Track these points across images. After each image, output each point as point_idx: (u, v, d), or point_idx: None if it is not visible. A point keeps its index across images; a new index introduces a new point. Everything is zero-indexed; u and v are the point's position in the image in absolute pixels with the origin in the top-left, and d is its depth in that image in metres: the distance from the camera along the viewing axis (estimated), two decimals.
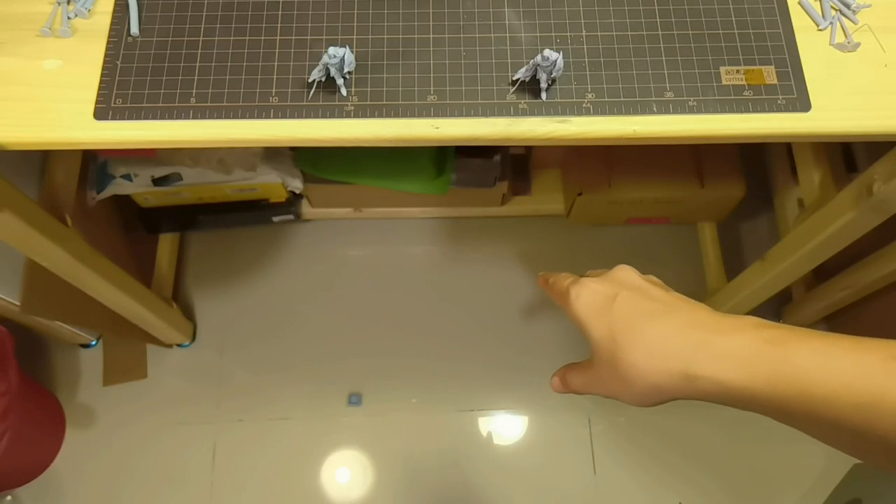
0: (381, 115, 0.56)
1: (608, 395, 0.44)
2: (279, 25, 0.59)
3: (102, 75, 0.57)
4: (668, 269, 1.29)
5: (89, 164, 1.06)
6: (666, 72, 0.58)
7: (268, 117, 0.56)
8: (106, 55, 0.57)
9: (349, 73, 0.57)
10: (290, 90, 0.57)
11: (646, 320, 0.40)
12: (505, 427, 1.17)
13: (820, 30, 0.60)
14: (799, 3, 0.61)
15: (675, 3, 0.60)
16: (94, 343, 1.21)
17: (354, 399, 1.18)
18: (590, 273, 0.47)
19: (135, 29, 0.58)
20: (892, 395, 0.32)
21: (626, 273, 0.46)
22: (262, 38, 0.59)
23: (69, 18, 0.58)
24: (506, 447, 1.16)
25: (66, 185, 0.81)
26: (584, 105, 0.57)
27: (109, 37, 0.58)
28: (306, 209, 1.24)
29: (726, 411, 1.20)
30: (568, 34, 0.59)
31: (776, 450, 1.16)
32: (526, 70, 0.56)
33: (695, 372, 0.38)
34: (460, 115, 0.56)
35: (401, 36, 0.59)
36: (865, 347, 0.35)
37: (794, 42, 0.59)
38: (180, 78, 0.57)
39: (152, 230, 1.23)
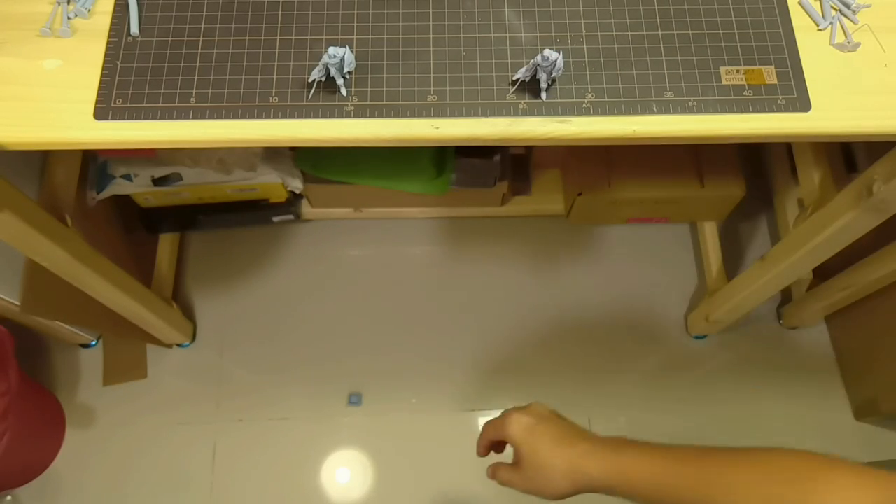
0: (381, 115, 0.56)
1: (527, 490, 0.63)
2: (279, 25, 0.59)
3: (102, 75, 0.57)
4: (668, 270, 1.29)
5: (89, 164, 1.06)
6: (666, 72, 0.58)
7: (268, 117, 0.56)
8: (106, 55, 0.57)
9: (349, 73, 0.57)
10: (290, 90, 0.57)
11: (554, 446, 0.62)
12: None
13: (820, 30, 0.60)
14: (799, 3, 0.61)
15: (675, 3, 0.60)
16: (94, 343, 1.21)
17: (354, 399, 1.18)
18: (512, 407, 0.67)
19: (135, 29, 0.58)
20: (671, 487, 0.54)
21: (540, 407, 0.67)
22: (262, 38, 0.59)
23: (69, 18, 0.58)
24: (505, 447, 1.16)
25: (66, 185, 0.81)
26: (584, 105, 0.57)
27: (109, 37, 0.58)
28: (306, 209, 1.24)
29: (726, 410, 1.19)
30: (568, 34, 0.59)
31: None
32: (526, 70, 0.56)
33: (576, 472, 0.60)
34: (460, 115, 0.56)
35: (401, 36, 0.59)
36: (673, 451, 0.57)
37: (794, 42, 0.59)
38: (180, 78, 0.57)
39: (152, 230, 1.23)
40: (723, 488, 0.52)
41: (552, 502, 0.63)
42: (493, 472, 0.68)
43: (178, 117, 0.56)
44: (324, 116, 0.56)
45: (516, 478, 0.64)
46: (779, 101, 0.57)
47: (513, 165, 1.19)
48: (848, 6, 0.60)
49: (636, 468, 0.57)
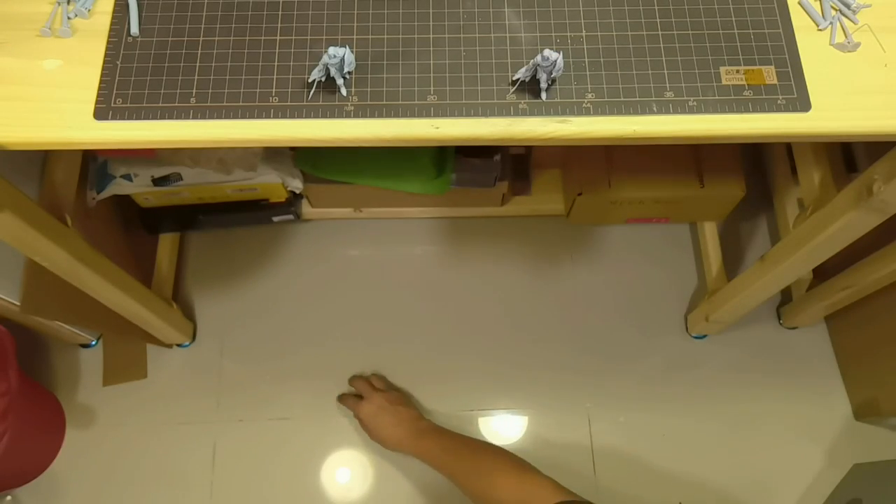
0: (381, 115, 0.56)
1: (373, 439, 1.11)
2: (279, 25, 0.59)
3: (102, 75, 0.57)
4: (668, 269, 1.29)
5: (89, 164, 1.06)
6: (666, 72, 0.58)
7: (268, 117, 0.56)
8: (106, 55, 0.57)
9: (349, 73, 0.57)
10: (290, 90, 0.57)
11: (388, 425, 1.08)
12: (505, 427, 1.17)
13: (820, 30, 0.60)
14: (799, 3, 0.61)
15: (675, 3, 0.61)
16: (94, 343, 1.21)
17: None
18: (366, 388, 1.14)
19: (135, 29, 0.58)
20: (450, 467, 0.99)
21: (379, 398, 1.11)
22: (262, 38, 0.59)
23: (69, 18, 0.58)
24: (506, 447, 1.16)
25: (66, 185, 0.81)
26: (584, 105, 0.57)
27: (109, 37, 0.58)
28: (306, 209, 1.24)
29: (726, 411, 1.19)
30: (568, 34, 0.59)
31: (776, 450, 1.16)
32: (526, 70, 0.56)
33: (402, 445, 1.06)
34: (460, 115, 0.56)
35: (401, 36, 0.59)
36: (445, 440, 1.04)
37: (794, 42, 0.59)
38: (180, 78, 0.57)
39: (152, 230, 1.23)
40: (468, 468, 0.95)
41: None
42: (346, 401, 1.15)
43: (178, 117, 0.56)
44: (324, 116, 0.56)
45: (362, 423, 1.11)
46: (779, 101, 0.57)
47: (513, 165, 1.19)
48: (848, 6, 0.60)
49: (427, 450, 1.02)
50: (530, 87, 0.57)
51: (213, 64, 0.58)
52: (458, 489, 0.95)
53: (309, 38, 0.59)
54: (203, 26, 0.59)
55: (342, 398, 1.16)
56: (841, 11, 0.60)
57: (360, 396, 1.13)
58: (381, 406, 1.09)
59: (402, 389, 1.18)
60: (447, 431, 1.06)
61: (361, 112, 0.56)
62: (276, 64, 0.58)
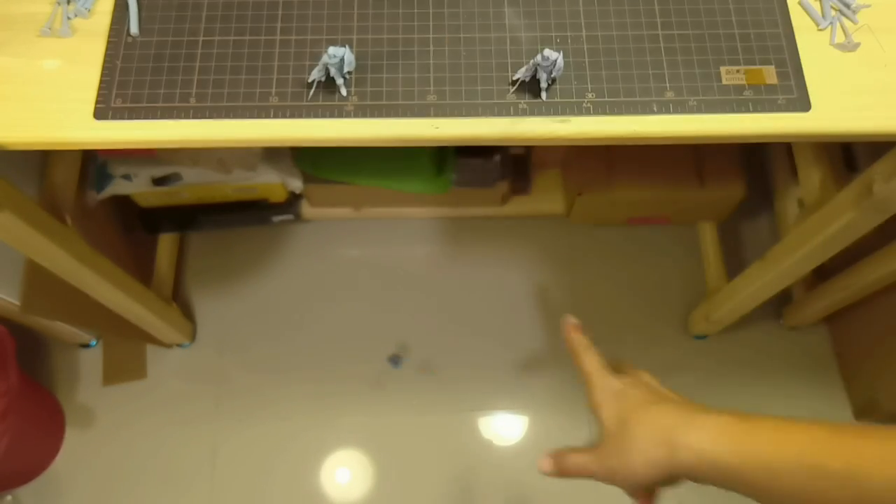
0: (381, 115, 0.56)
1: (604, 475, 0.50)
2: (279, 25, 0.59)
3: (102, 75, 0.57)
4: (668, 270, 1.29)
5: (89, 164, 1.06)
6: (666, 72, 0.58)
7: (268, 117, 0.56)
8: (106, 55, 0.57)
9: (349, 73, 0.57)
10: (290, 90, 0.57)
11: (649, 405, 0.49)
12: (505, 427, 1.17)
13: (820, 30, 0.60)
14: (799, 3, 0.61)
15: (675, 3, 0.60)
16: (94, 343, 1.21)
17: (395, 360, 1.19)
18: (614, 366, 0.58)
19: (135, 29, 0.58)
20: (834, 461, 0.39)
21: (643, 375, 0.55)
22: (262, 38, 0.59)
23: (69, 18, 0.58)
24: (506, 447, 1.16)
25: (66, 185, 0.81)
26: (584, 105, 0.57)
27: (109, 37, 0.58)
28: (306, 209, 1.24)
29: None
30: (568, 34, 0.59)
31: None
32: (526, 70, 0.56)
33: (678, 439, 0.44)
34: (460, 115, 0.56)
35: (401, 36, 0.59)
36: (814, 423, 0.42)
37: (794, 42, 0.59)
38: (180, 78, 0.57)
39: (152, 230, 1.23)
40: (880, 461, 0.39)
41: (636, 488, 0.49)
42: (559, 457, 0.56)
43: (178, 117, 0.56)
44: (324, 116, 0.56)
45: (590, 458, 0.51)
46: (779, 101, 0.57)
47: (513, 165, 1.19)
48: (848, 6, 0.60)
49: (772, 441, 0.42)
50: (530, 87, 0.57)
51: (213, 64, 0.58)
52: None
53: (309, 38, 0.59)
54: (203, 26, 0.59)
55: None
56: (841, 11, 0.60)
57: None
58: (640, 398, 0.54)
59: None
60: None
61: (361, 112, 0.56)
62: (276, 64, 0.58)
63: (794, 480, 0.40)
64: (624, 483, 0.48)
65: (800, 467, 0.40)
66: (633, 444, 0.47)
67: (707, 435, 0.44)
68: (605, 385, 0.54)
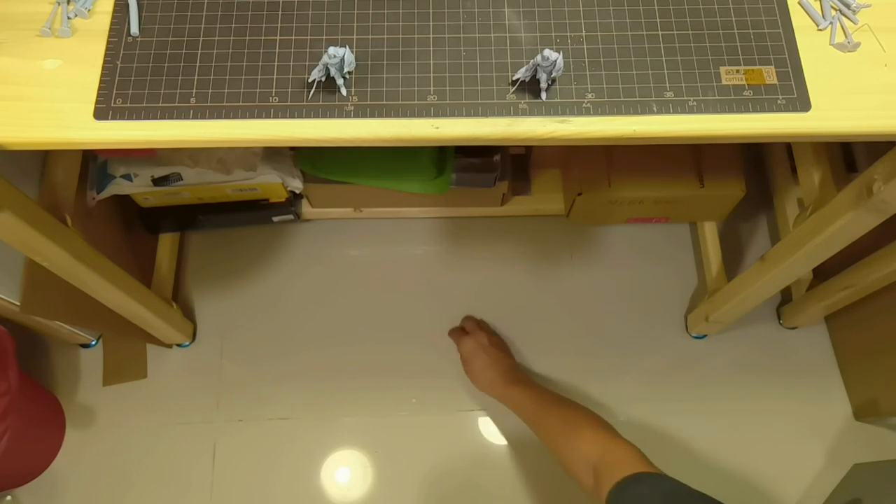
0: (381, 115, 0.56)
1: (464, 364, 1.16)
2: (279, 25, 0.59)
3: (102, 75, 0.57)
4: (668, 269, 1.29)
5: (89, 164, 1.06)
6: (666, 72, 0.58)
7: (268, 117, 0.56)
8: (106, 55, 0.57)
9: (349, 73, 0.57)
10: (290, 90, 0.57)
11: (484, 365, 1.13)
12: (505, 427, 1.17)
13: (820, 30, 0.60)
14: (799, 3, 0.61)
15: (675, 3, 0.61)
16: (94, 343, 1.21)
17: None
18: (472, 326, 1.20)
19: (135, 29, 0.58)
20: (541, 419, 0.99)
21: (482, 337, 1.16)
22: (262, 38, 0.59)
23: (69, 18, 0.58)
24: (505, 447, 1.16)
25: (66, 185, 0.81)
26: (584, 105, 0.57)
27: (109, 37, 0.58)
28: (306, 209, 1.24)
29: (726, 410, 1.19)
30: (568, 34, 0.59)
31: (776, 450, 1.16)
32: (526, 70, 0.56)
33: (493, 387, 1.10)
34: (460, 115, 0.56)
35: (401, 36, 0.59)
36: (537, 391, 1.04)
37: (794, 42, 0.59)
38: (180, 78, 0.57)
39: (152, 230, 1.23)
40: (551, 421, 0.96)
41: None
42: (453, 334, 1.20)
43: (178, 117, 0.56)
44: (324, 116, 0.56)
45: (462, 357, 1.16)
46: (779, 101, 0.57)
47: (513, 165, 1.19)
48: (848, 6, 0.60)
49: (517, 398, 1.04)
50: (530, 87, 0.57)
51: (213, 64, 0.58)
52: (539, 445, 0.99)
53: (309, 38, 0.59)
54: (203, 26, 0.59)
55: (451, 331, 1.21)
56: (841, 11, 0.60)
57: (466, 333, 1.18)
58: (481, 344, 1.13)
59: (504, 337, 1.22)
60: (539, 385, 1.08)
61: (361, 112, 0.56)
62: (276, 64, 0.58)
63: (526, 420, 1.01)
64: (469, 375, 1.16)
65: (525, 417, 1.02)
66: (477, 382, 1.14)
67: (497, 390, 1.09)
68: (466, 345, 1.16)
